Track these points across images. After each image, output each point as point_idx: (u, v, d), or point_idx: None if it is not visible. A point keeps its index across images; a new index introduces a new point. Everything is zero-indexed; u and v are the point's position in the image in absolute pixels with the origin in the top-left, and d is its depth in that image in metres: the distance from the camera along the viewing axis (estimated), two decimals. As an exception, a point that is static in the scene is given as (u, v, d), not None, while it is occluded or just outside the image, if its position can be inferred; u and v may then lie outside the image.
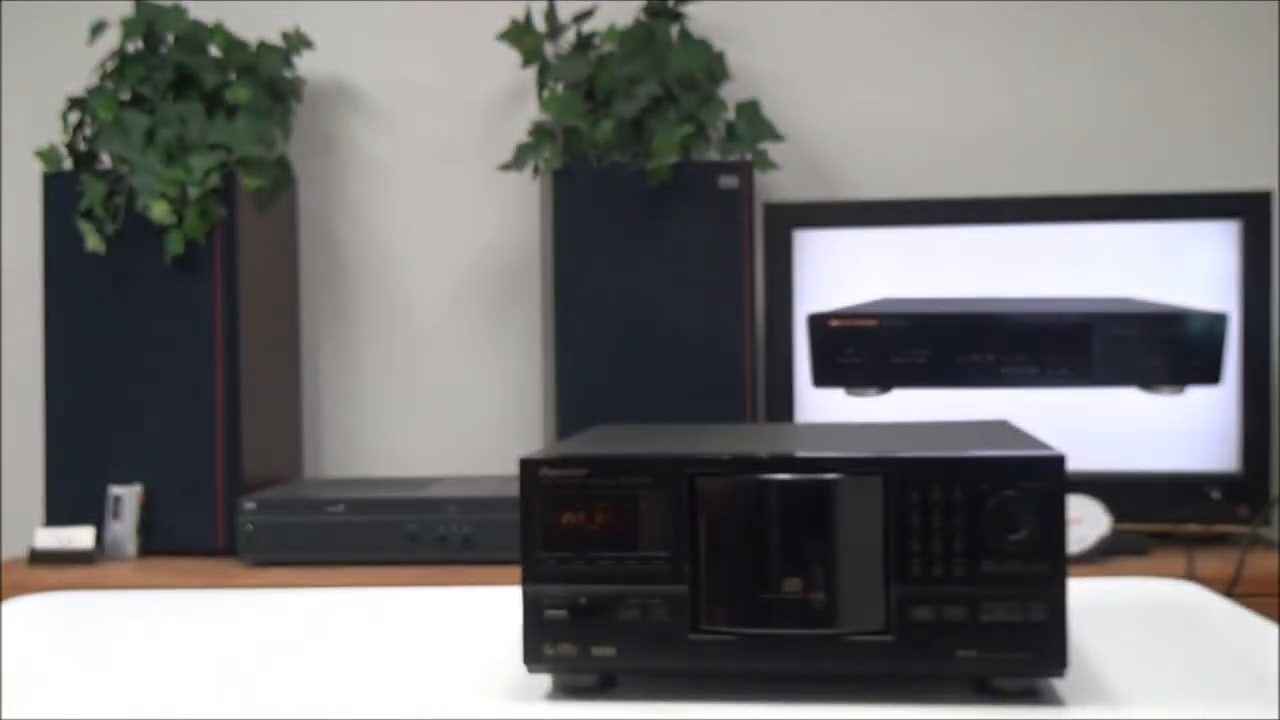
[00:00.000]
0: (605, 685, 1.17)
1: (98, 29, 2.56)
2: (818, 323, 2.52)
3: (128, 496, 2.48)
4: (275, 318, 2.72)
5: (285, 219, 2.74)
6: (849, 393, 2.52)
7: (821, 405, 2.54)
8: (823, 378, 2.51)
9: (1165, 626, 1.42)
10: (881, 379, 2.50)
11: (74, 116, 2.56)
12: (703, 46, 2.57)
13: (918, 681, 1.14)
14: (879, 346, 2.50)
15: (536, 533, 1.15)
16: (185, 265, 2.49)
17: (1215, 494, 2.45)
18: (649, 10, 2.60)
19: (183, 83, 2.54)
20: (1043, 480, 1.10)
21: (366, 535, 2.40)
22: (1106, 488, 2.36)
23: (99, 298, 2.50)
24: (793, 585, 1.11)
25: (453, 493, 2.41)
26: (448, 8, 2.83)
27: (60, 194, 2.50)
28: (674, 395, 2.47)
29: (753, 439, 1.47)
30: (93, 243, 2.46)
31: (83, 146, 2.55)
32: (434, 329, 2.85)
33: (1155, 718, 1.09)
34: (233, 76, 2.59)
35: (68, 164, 2.54)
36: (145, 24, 2.54)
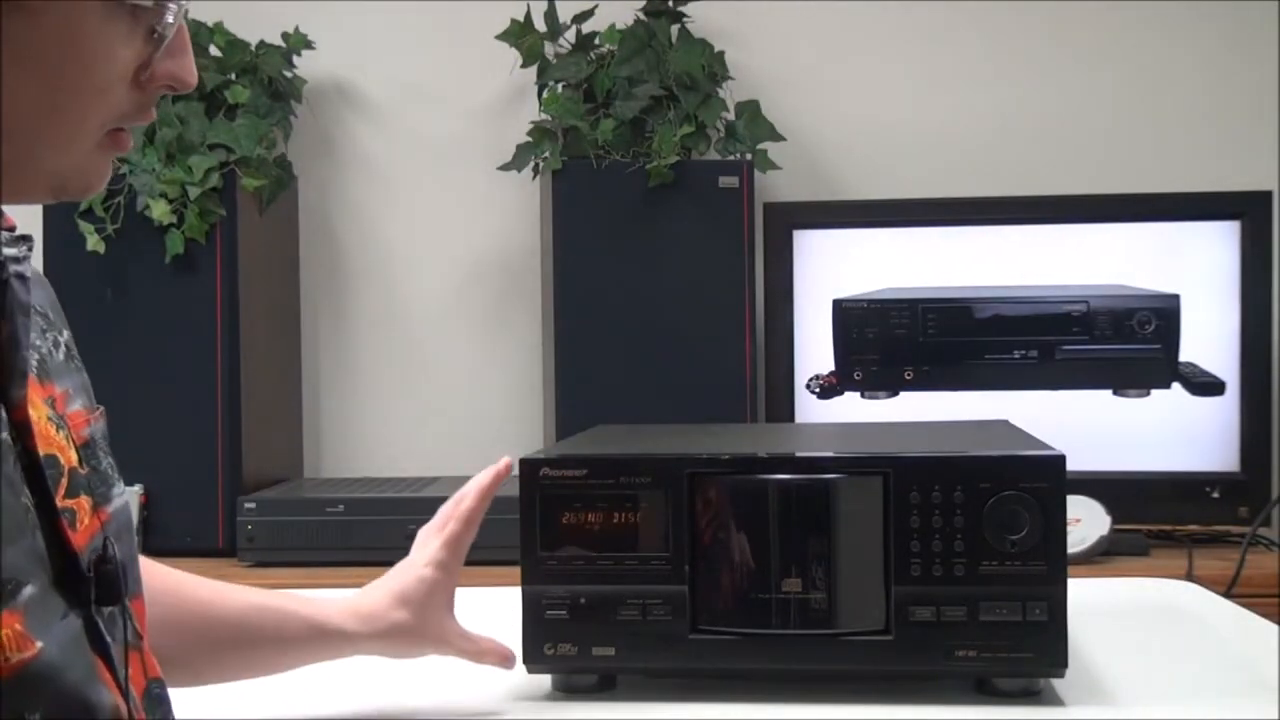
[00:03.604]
0: (605, 685, 1.17)
1: (98, 29, 2.55)
2: (841, 307, 2.52)
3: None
4: (275, 318, 2.72)
5: (285, 219, 2.74)
6: (864, 396, 2.52)
7: (821, 406, 2.54)
8: (846, 365, 2.51)
9: (1165, 626, 1.42)
10: (908, 361, 2.50)
11: (74, 116, 2.55)
12: (703, 46, 2.57)
13: (917, 681, 1.14)
14: (903, 329, 2.50)
15: (536, 533, 1.16)
16: (185, 265, 2.49)
17: (1215, 494, 2.45)
18: (649, 10, 2.60)
19: (183, 82, 2.54)
20: (1043, 480, 1.10)
21: (366, 535, 2.40)
22: (1106, 488, 2.36)
23: (99, 298, 2.50)
24: (793, 585, 1.12)
25: (453, 493, 2.41)
26: (448, 8, 2.83)
27: (60, 194, 2.50)
28: (674, 395, 2.47)
29: (753, 439, 1.47)
30: (93, 243, 2.46)
31: (83, 146, 2.55)
32: (434, 329, 2.85)
33: (1155, 718, 1.09)
34: (233, 76, 2.59)
35: (68, 164, 2.53)
36: (145, 24, 2.54)
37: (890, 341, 2.51)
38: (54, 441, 0.81)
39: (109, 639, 0.79)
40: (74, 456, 0.82)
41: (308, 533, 2.41)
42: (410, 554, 1.17)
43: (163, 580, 1.08)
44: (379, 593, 1.13)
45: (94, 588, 0.79)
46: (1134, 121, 2.75)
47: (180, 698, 1.08)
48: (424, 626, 1.12)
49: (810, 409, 2.54)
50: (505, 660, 1.14)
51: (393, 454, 2.85)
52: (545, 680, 1.17)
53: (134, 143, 2.52)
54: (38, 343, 0.86)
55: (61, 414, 0.84)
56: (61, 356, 0.90)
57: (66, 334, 0.92)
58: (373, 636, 1.11)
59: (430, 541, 1.16)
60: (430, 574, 1.13)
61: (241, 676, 1.10)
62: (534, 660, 1.15)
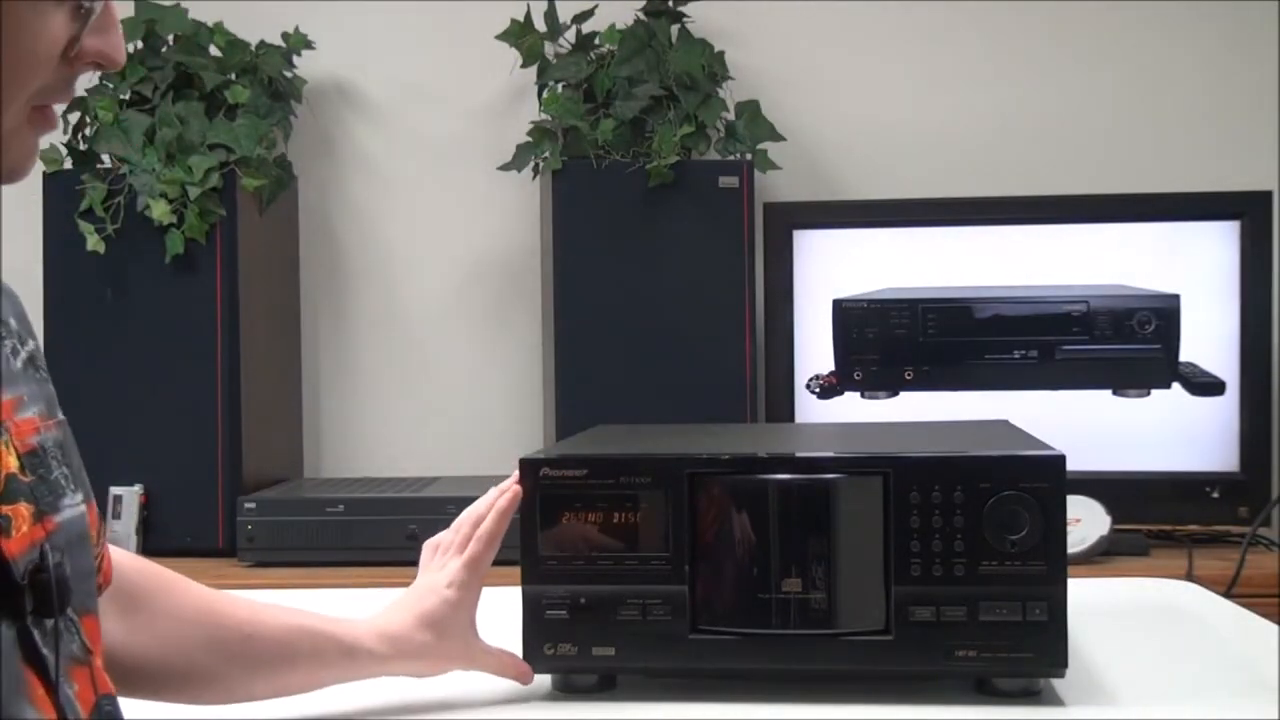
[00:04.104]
0: (605, 685, 1.17)
1: (98, 29, 2.55)
2: (841, 307, 2.52)
3: (128, 496, 2.48)
4: (275, 318, 2.72)
5: (285, 219, 2.74)
6: (864, 395, 2.52)
7: (821, 406, 2.54)
8: (846, 365, 2.51)
9: (1165, 626, 1.42)
10: (908, 361, 2.49)
11: (74, 116, 2.56)
12: (703, 46, 2.57)
13: (917, 681, 1.14)
14: (903, 329, 2.50)
15: (536, 533, 1.16)
16: (185, 265, 2.49)
17: (1215, 494, 2.45)
18: (649, 10, 2.60)
19: (183, 83, 2.54)
20: (1043, 480, 1.10)
21: (366, 535, 2.40)
22: (1106, 488, 2.36)
23: (99, 298, 2.50)
24: (793, 585, 1.12)
25: (453, 493, 2.41)
26: (448, 8, 2.83)
27: (60, 194, 2.50)
28: (674, 395, 2.47)
29: (753, 439, 1.47)
30: (93, 243, 2.46)
31: (83, 146, 2.55)
32: (434, 329, 2.85)
33: (1155, 718, 1.09)
34: (233, 76, 2.59)
35: (68, 164, 2.54)
36: (145, 24, 2.54)
37: (890, 341, 2.51)
38: None
39: (45, 652, 0.77)
40: (14, 463, 0.81)
41: (308, 533, 2.41)
42: (428, 572, 1.18)
43: (198, 599, 1.08)
44: (403, 614, 1.14)
45: (29, 598, 0.77)
46: (1134, 121, 2.75)
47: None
48: (449, 647, 1.14)
49: (810, 409, 2.54)
50: (523, 676, 1.15)
51: (393, 454, 2.85)
52: (545, 680, 1.17)
53: (134, 142, 2.53)
54: None
55: (3, 420, 0.82)
56: (19, 365, 0.88)
57: (31, 344, 0.91)
58: (399, 658, 1.13)
59: (450, 561, 1.16)
60: (453, 595, 1.14)
61: (275, 695, 1.11)
62: (534, 660, 1.15)
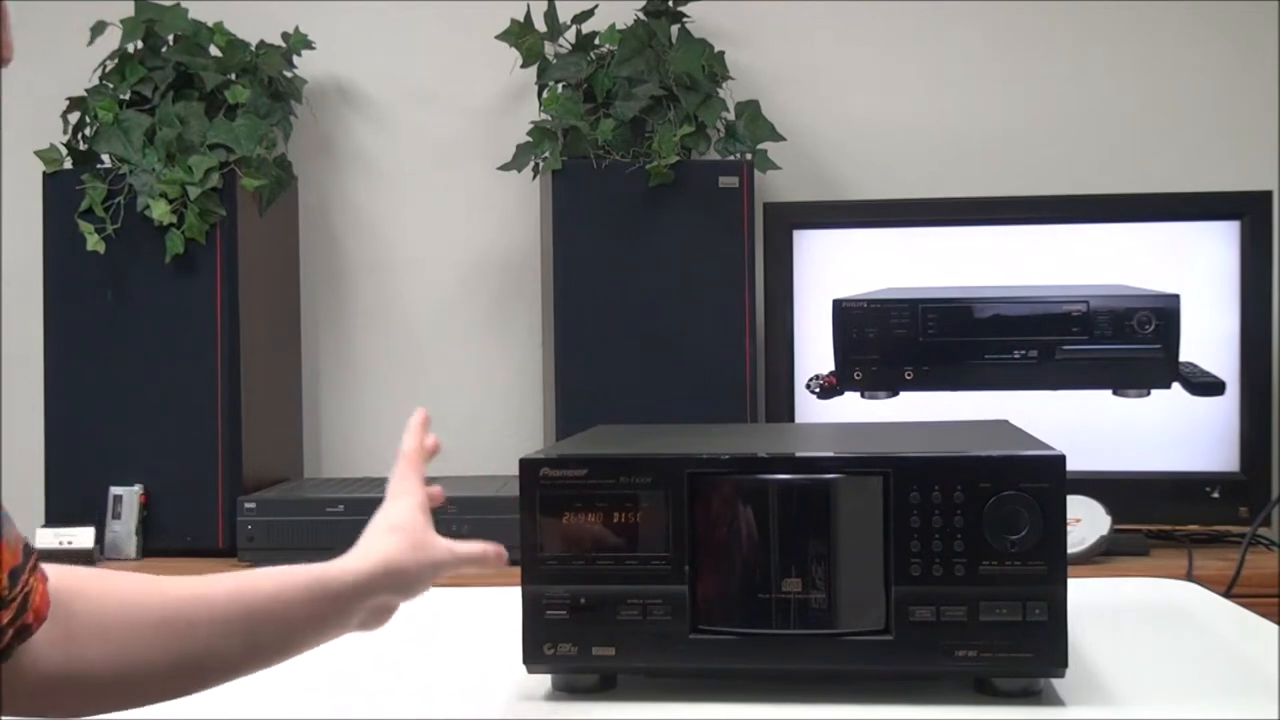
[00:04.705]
0: (605, 685, 1.17)
1: (98, 29, 2.55)
2: (841, 307, 2.52)
3: (128, 496, 2.48)
4: (275, 318, 2.72)
5: (285, 219, 2.74)
6: (864, 395, 2.52)
7: (821, 406, 2.54)
8: (846, 365, 2.51)
9: (1165, 626, 1.42)
10: (908, 361, 2.50)
11: (74, 116, 2.56)
12: (703, 46, 2.57)
13: (917, 681, 1.14)
14: (903, 330, 2.50)
15: (536, 533, 1.15)
16: (185, 265, 2.49)
17: (1215, 494, 2.45)
18: (649, 10, 2.60)
19: (183, 83, 2.54)
20: (1043, 480, 1.10)
21: (366, 535, 2.40)
22: (1106, 488, 2.36)
23: (99, 298, 2.50)
24: (793, 585, 1.12)
25: (453, 492, 2.40)
26: (448, 8, 2.83)
27: (60, 194, 2.50)
28: (674, 395, 2.47)
29: (753, 439, 1.47)
30: (93, 243, 2.46)
31: (83, 146, 2.55)
32: (434, 329, 2.85)
33: (1155, 718, 1.09)
34: (233, 76, 2.59)
35: (68, 164, 2.54)
36: (145, 24, 2.54)
37: (890, 341, 2.52)
38: None
39: None
40: None
41: (308, 533, 2.41)
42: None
43: (126, 586, 1.00)
44: (368, 530, 1.10)
45: None
46: (1134, 122, 2.75)
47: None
48: (418, 540, 1.08)
49: (810, 409, 2.55)
50: (499, 557, 1.10)
51: (392, 454, 2.83)
52: (545, 680, 1.17)
53: (134, 142, 2.52)
54: None
55: None
56: None
57: None
58: (374, 572, 1.06)
59: (389, 487, 1.14)
60: (402, 496, 1.12)
61: (252, 660, 1.05)
62: (534, 660, 1.15)
